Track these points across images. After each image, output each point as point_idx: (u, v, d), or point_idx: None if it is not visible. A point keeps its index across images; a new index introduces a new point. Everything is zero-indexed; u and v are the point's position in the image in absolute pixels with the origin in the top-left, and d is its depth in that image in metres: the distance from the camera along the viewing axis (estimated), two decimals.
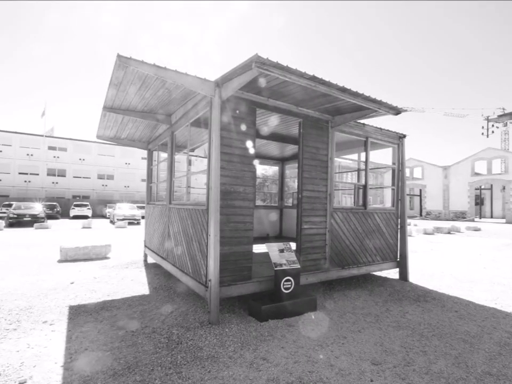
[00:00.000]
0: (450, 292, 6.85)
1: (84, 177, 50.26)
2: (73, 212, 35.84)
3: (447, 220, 43.34)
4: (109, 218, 35.10)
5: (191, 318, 4.97)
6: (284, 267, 5.19)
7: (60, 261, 9.52)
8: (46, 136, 47.66)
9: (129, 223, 27.86)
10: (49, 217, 31.88)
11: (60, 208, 35.89)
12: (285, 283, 5.13)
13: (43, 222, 24.28)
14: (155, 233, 8.56)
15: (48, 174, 47.80)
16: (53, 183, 47.85)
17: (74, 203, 37.73)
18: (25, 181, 46.07)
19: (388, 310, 5.60)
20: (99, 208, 43.42)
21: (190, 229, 5.94)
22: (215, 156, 4.81)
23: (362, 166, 7.54)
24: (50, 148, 48.32)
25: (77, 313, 5.14)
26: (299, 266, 5.40)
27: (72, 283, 7.02)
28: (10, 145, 45.65)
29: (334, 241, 6.71)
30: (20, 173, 45.90)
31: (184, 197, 7.11)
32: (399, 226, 8.09)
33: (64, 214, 38.37)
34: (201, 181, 50.80)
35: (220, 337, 4.25)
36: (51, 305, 5.50)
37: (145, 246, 9.65)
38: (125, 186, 53.40)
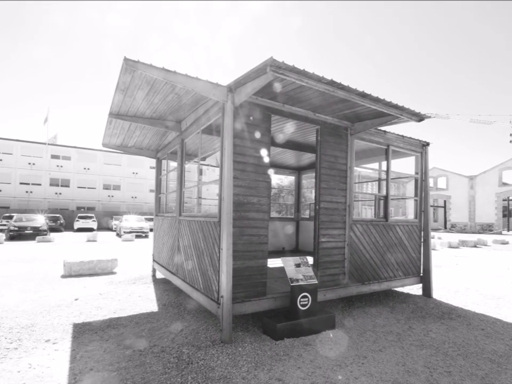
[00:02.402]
0: (476, 309, 6.75)
1: (88, 188, 50.57)
2: (77, 224, 36.18)
3: (473, 233, 42.68)
4: (115, 231, 35.33)
5: (202, 337, 4.94)
6: (301, 282, 5.16)
7: (63, 276, 9.60)
8: (48, 144, 48.14)
9: (137, 236, 28.02)
10: (52, 229, 32.22)
11: (63, 220, 36.23)
12: (301, 299, 5.09)
13: (46, 235, 24.58)
14: (164, 246, 8.59)
15: (51, 184, 48.13)
16: (56, 193, 48.19)
17: (79, 215, 37.96)
18: (27, 192, 46.47)
19: (411, 328, 5.51)
20: (105, 220, 43.51)
21: (201, 242, 5.95)
22: (228, 164, 4.82)
23: (383, 176, 7.51)
24: (53, 157, 48.68)
25: (82, 332, 5.15)
26: (316, 282, 5.35)
27: (77, 299, 7.06)
28: (11, 154, 46.04)
29: (353, 255, 6.66)
30: (21, 183, 46.27)
31: (194, 209, 7.12)
32: (422, 240, 7.99)
33: (68, 227, 38.69)
34: (212, 192, 51.01)
35: (232, 357, 4.22)
36: (54, 323, 5.52)
37: (154, 260, 9.69)
38: (132, 197, 53.63)
